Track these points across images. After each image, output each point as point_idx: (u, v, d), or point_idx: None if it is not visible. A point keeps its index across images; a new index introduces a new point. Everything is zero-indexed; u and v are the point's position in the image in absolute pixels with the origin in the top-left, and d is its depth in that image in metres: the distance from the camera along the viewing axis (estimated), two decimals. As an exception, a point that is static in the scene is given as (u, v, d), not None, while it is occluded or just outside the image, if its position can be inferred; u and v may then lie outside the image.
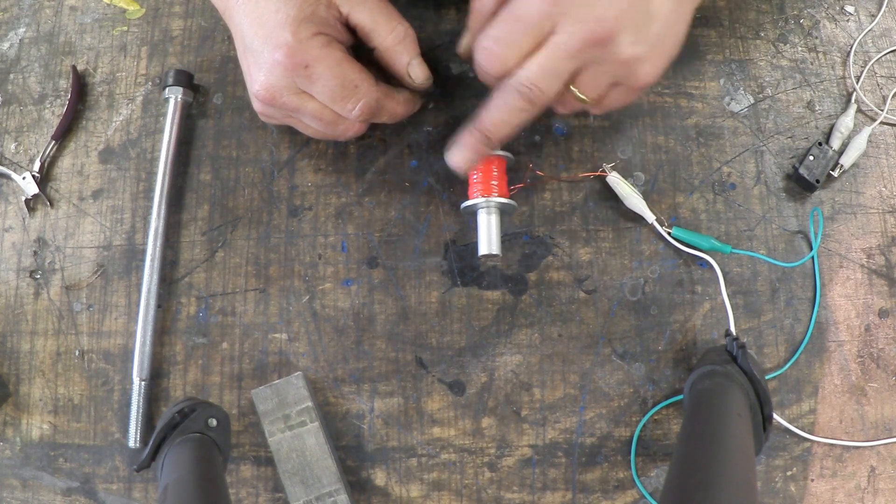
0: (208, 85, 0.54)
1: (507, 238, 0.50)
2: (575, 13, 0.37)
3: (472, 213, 0.49)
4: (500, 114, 0.41)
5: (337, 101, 0.43)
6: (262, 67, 0.42)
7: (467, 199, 0.48)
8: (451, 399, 0.49)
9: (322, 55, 0.42)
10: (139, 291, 0.49)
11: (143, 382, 0.48)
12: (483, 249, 0.47)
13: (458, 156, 0.43)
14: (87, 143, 0.53)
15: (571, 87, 0.41)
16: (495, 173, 0.48)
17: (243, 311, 0.50)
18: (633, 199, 0.49)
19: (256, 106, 0.46)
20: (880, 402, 0.48)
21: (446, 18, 0.54)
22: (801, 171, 0.50)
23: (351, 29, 0.45)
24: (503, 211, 0.48)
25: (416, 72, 0.46)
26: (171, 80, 0.51)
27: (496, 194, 0.47)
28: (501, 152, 0.48)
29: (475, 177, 0.48)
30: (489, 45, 0.39)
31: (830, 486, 0.47)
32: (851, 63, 0.53)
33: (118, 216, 0.52)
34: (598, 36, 0.38)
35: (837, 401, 0.48)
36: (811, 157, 0.50)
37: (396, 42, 0.44)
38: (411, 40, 0.45)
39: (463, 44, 0.46)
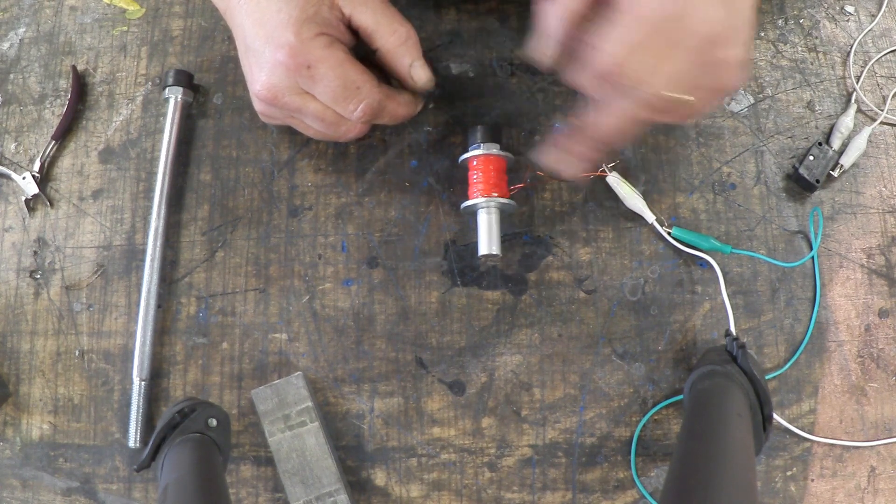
0: (208, 85, 0.54)
1: (507, 238, 0.50)
2: (695, 12, 0.36)
3: (472, 213, 0.49)
4: (616, 122, 0.39)
5: (339, 101, 0.43)
6: (264, 67, 0.42)
7: (467, 199, 0.48)
8: (451, 399, 0.49)
9: (324, 55, 0.42)
10: (139, 291, 0.49)
11: (143, 382, 0.48)
12: (483, 249, 0.47)
13: (568, 165, 0.42)
14: (87, 143, 0.53)
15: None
16: (495, 173, 0.48)
17: (243, 311, 0.50)
18: (633, 199, 0.49)
19: (258, 106, 0.46)
20: (880, 402, 0.48)
21: (446, 18, 0.54)
22: (801, 171, 0.50)
23: (353, 30, 0.45)
24: (503, 211, 0.48)
25: (419, 73, 0.46)
26: (171, 80, 0.51)
27: (496, 194, 0.47)
28: (502, 152, 0.48)
29: (475, 177, 0.48)
30: (617, 50, 0.36)
31: (830, 486, 0.47)
32: (851, 63, 0.53)
33: (118, 216, 0.52)
34: (722, 37, 0.37)
35: (837, 401, 0.48)
36: (811, 157, 0.50)
37: (399, 44, 0.44)
38: (414, 42, 0.45)
39: (545, 47, 0.41)
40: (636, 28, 0.36)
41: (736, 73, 0.39)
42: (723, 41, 0.37)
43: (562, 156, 0.42)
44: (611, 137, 0.40)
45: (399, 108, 0.47)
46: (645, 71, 0.37)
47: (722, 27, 0.37)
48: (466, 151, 0.48)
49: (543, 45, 0.42)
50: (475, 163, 0.48)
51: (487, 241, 0.47)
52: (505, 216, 0.50)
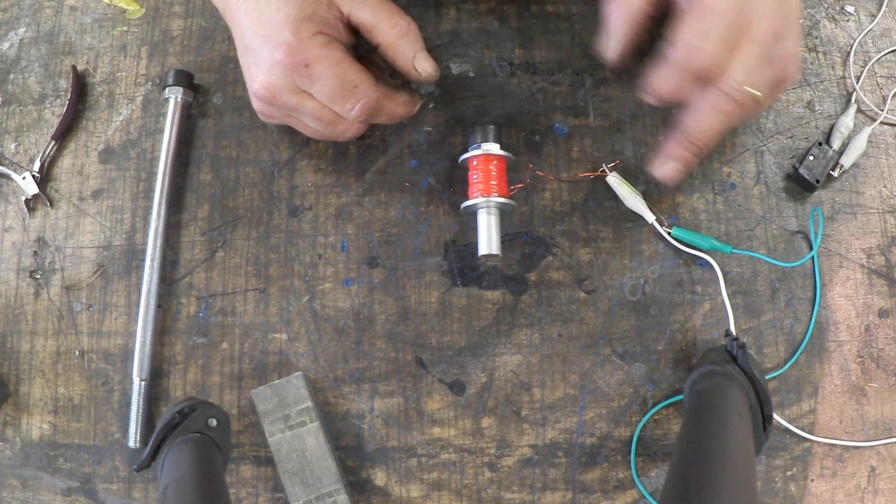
0: (208, 85, 0.54)
1: (507, 238, 0.50)
2: (762, 7, 0.38)
3: (472, 213, 0.49)
4: (710, 120, 0.40)
5: (336, 100, 0.43)
6: (262, 66, 0.43)
7: (467, 199, 0.48)
8: (451, 399, 0.49)
9: (322, 54, 0.42)
10: (139, 291, 0.49)
11: (143, 382, 0.48)
12: (483, 249, 0.47)
13: (669, 168, 0.44)
14: (87, 143, 0.53)
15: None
16: (495, 173, 0.48)
17: (243, 311, 0.50)
18: (633, 199, 0.49)
19: (256, 105, 0.46)
20: (880, 402, 0.48)
21: (446, 18, 0.54)
22: (801, 171, 0.50)
23: (353, 29, 0.45)
24: (503, 211, 0.48)
25: (423, 65, 0.45)
26: (171, 80, 0.51)
27: (496, 194, 0.47)
28: (502, 152, 0.48)
29: (475, 177, 0.48)
30: (696, 42, 0.38)
31: (830, 486, 0.47)
32: (851, 63, 0.53)
33: (118, 216, 0.52)
34: (782, 30, 0.38)
35: (837, 401, 0.48)
36: (811, 157, 0.50)
37: (400, 37, 0.44)
38: (415, 34, 0.45)
39: (612, 46, 0.43)
40: (718, 22, 0.37)
41: (795, 65, 0.41)
42: (783, 33, 0.38)
43: (672, 164, 0.43)
44: (711, 137, 0.42)
45: (397, 107, 0.47)
46: (731, 65, 0.38)
47: (780, 19, 0.38)
48: (466, 151, 0.48)
49: (610, 43, 0.43)
50: (475, 163, 0.48)
51: (487, 241, 0.47)
52: (505, 216, 0.50)
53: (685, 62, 0.39)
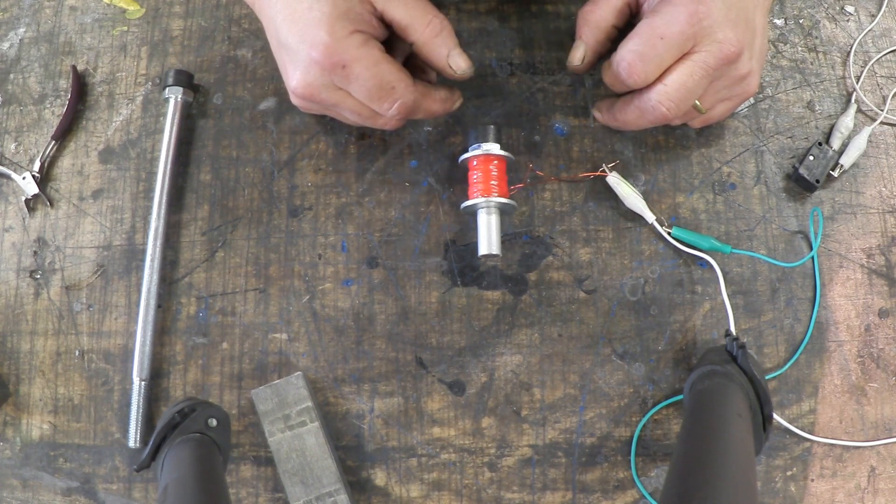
0: (208, 85, 0.54)
1: (507, 238, 0.50)
2: (713, 34, 0.41)
3: (472, 213, 0.49)
4: (633, 119, 0.46)
5: (374, 100, 0.43)
6: (299, 65, 0.43)
7: (467, 199, 0.48)
8: (451, 399, 0.49)
9: (359, 55, 0.42)
10: (139, 291, 0.49)
11: (143, 382, 0.48)
12: (483, 249, 0.47)
13: (596, 115, 0.50)
14: (87, 143, 0.53)
15: (695, 101, 0.44)
16: (495, 173, 0.48)
17: (243, 311, 0.50)
18: (633, 199, 0.49)
19: (294, 101, 0.46)
20: (880, 402, 0.48)
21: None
22: (801, 171, 0.50)
23: (387, 24, 0.44)
24: (503, 211, 0.48)
25: (457, 62, 0.45)
26: (171, 80, 0.51)
27: (496, 194, 0.47)
28: (502, 152, 0.48)
29: (475, 177, 0.48)
30: (633, 60, 0.42)
31: (830, 486, 0.47)
32: (851, 63, 0.53)
33: (118, 216, 0.52)
34: (731, 55, 0.42)
35: (837, 401, 0.48)
36: (811, 157, 0.50)
37: (434, 35, 0.44)
38: (448, 32, 0.44)
39: (577, 55, 0.47)
40: (659, 46, 0.42)
41: (751, 83, 0.45)
42: (736, 57, 0.42)
43: (596, 110, 0.50)
44: (633, 128, 0.48)
45: (434, 104, 0.46)
46: (664, 79, 0.43)
47: (734, 45, 0.42)
48: (466, 151, 0.48)
49: (577, 52, 0.47)
50: (475, 163, 0.48)
51: (487, 241, 0.47)
52: (505, 216, 0.50)
53: (619, 75, 0.43)
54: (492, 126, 0.48)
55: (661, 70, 0.43)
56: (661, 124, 0.46)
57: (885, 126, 0.52)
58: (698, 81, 0.42)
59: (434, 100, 0.46)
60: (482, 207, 0.47)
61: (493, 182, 0.47)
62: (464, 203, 0.48)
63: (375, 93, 0.43)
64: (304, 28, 0.41)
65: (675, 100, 0.43)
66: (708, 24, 0.41)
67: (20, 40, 0.56)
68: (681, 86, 0.42)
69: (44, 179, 0.53)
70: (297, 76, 0.43)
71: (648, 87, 0.43)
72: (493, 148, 0.48)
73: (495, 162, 0.48)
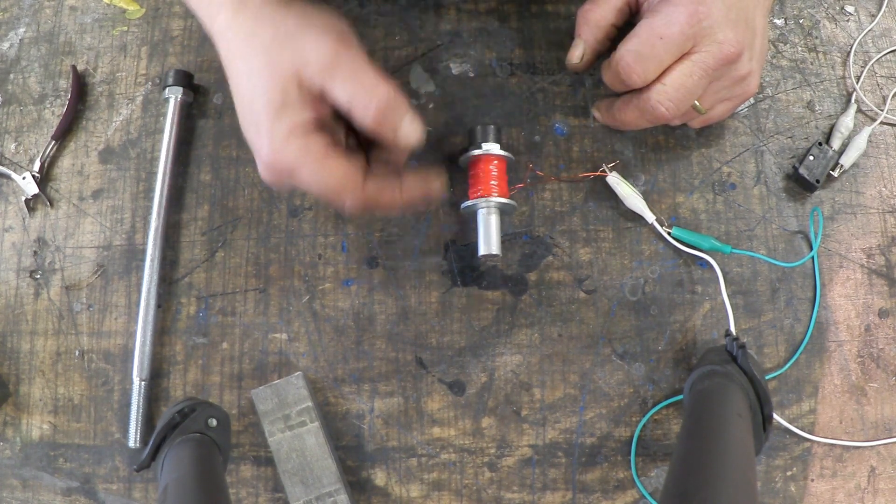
0: (208, 85, 0.54)
1: (507, 238, 0.50)
2: (713, 35, 0.41)
3: (472, 213, 0.49)
4: (633, 119, 0.46)
5: (326, 199, 0.41)
6: (258, 161, 0.41)
7: (467, 199, 0.48)
8: (451, 399, 0.49)
9: (300, 161, 0.39)
10: (139, 291, 0.49)
11: (143, 382, 0.48)
12: (483, 249, 0.47)
13: (595, 114, 0.51)
14: (87, 143, 0.53)
15: (694, 101, 0.44)
16: (495, 173, 0.48)
17: (243, 311, 0.50)
18: (633, 199, 0.49)
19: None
20: (880, 402, 0.48)
21: (446, 18, 0.54)
22: (801, 171, 0.50)
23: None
24: (503, 211, 0.48)
25: (406, 139, 0.41)
26: (171, 80, 0.51)
27: (496, 194, 0.47)
28: (502, 152, 0.48)
29: (475, 177, 0.48)
30: (632, 60, 0.42)
31: (830, 486, 0.47)
32: (851, 63, 0.53)
33: (118, 216, 0.52)
34: (731, 56, 0.41)
35: (837, 401, 0.48)
36: (811, 157, 0.50)
37: (378, 121, 0.39)
38: (393, 109, 0.39)
39: (576, 54, 0.48)
40: (658, 46, 0.41)
41: (751, 83, 0.45)
42: (736, 57, 0.42)
43: (596, 109, 0.50)
44: (631, 128, 0.48)
45: (396, 201, 0.42)
46: (662, 80, 0.43)
47: (735, 45, 0.41)
48: (466, 151, 0.48)
49: (577, 50, 0.48)
50: (475, 163, 0.48)
51: (487, 241, 0.47)
52: (505, 216, 0.50)
53: (618, 74, 0.43)
54: (492, 126, 0.48)
55: (661, 70, 0.43)
56: (660, 124, 0.46)
57: (885, 126, 0.52)
58: (697, 82, 0.42)
59: (394, 197, 0.42)
60: (482, 207, 0.47)
61: (493, 182, 0.47)
62: (464, 203, 0.48)
63: (325, 195, 0.40)
64: (250, 127, 0.40)
65: (675, 100, 0.43)
66: (708, 24, 0.41)
67: (20, 40, 0.56)
68: (680, 86, 0.42)
69: (44, 179, 0.53)
70: (260, 170, 0.41)
71: (648, 87, 0.43)
72: (493, 148, 0.48)
73: (495, 162, 0.48)
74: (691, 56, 0.42)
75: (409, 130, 0.41)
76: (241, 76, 0.40)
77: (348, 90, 0.39)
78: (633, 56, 0.42)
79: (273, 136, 0.39)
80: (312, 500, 0.45)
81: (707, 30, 0.41)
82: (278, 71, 0.39)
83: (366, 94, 0.39)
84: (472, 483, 0.48)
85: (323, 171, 0.39)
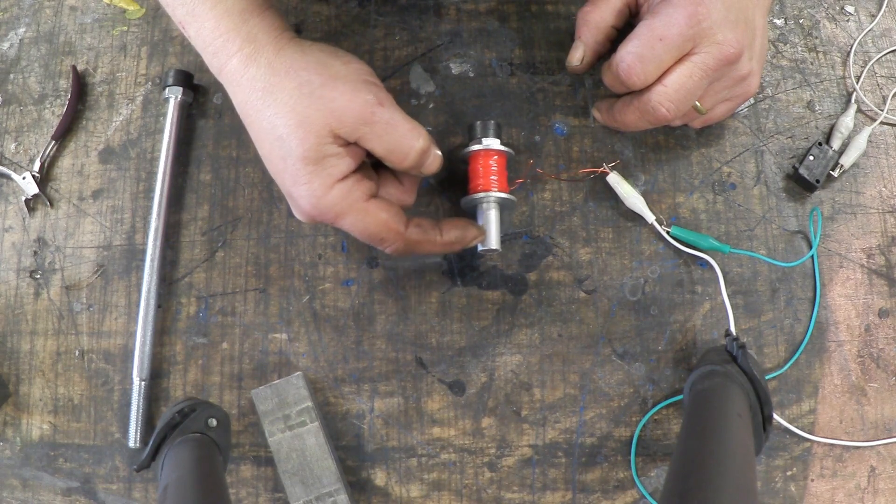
0: (208, 85, 0.54)
1: (507, 238, 0.50)
2: (713, 35, 0.41)
3: (472, 207, 0.48)
4: (633, 120, 0.46)
5: (369, 243, 0.43)
6: (296, 209, 0.42)
7: (467, 195, 0.48)
8: (451, 399, 0.49)
9: (344, 210, 0.40)
10: (139, 291, 0.49)
11: (143, 382, 0.48)
12: (482, 244, 0.47)
13: (596, 115, 0.51)
14: (87, 143, 0.53)
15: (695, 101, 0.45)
16: (495, 168, 0.47)
17: (243, 311, 0.50)
18: (633, 199, 0.49)
19: None
20: (880, 402, 0.48)
21: (446, 18, 0.54)
22: (801, 171, 0.50)
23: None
24: (503, 206, 0.48)
25: (429, 171, 0.43)
26: (171, 80, 0.51)
27: (496, 189, 0.47)
28: (502, 147, 0.48)
29: (475, 172, 0.48)
30: (632, 62, 0.42)
31: (830, 486, 0.47)
32: (851, 63, 0.53)
33: (118, 216, 0.52)
34: (731, 56, 0.42)
35: (837, 401, 0.48)
36: (811, 157, 0.50)
37: (411, 166, 0.42)
38: (425, 155, 0.42)
39: (576, 56, 0.48)
40: (658, 48, 0.41)
41: (752, 83, 0.45)
42: (736, 58, 0.42)
43: (596, 110, 0.50)
44: (631, 129, 0.48)
45: (435, 248, 0.44)
46: (663, 81, 0.43)
47: (734, 46, 0.42)
48: (466, 147, 0.48)
49: (577, 51, 0.48)
50: (475, 158, 0.48)
51: (487, 235, 0.47)
52: (505, 212, 0.50)
53: (618, 76, 0.43)
54: (492, 122, 0.48)
55: (661, 71, 0.43)
56: (660, 125, 0.46)
57: (885, 126, 0.52)
58: (698, 83, 0.42)
59: (434, 244, 0.44)
60: (482, 202, 0.47)
61: (493, 177, 0.47)
62: (463, 198, 0.48)
63: (368, 240, 0.42)
64: (286, 180, 0.40)
65: (675, 101, 0.43)
66: (707, 25, 0.41)
67: (20, 40, 0.56)
68: (680, 87, 0.42)
69: (44, 179, 0.53)
70: (297, 215, 0.42)
71: (648, 88, 0.43)
72: (494, 143, 0.47)
73: (495, 157, 0.47)
74: (691, 57, 0.42)
75: (432, 164, 0.43)
76: (266, 133, 0.40)
77: (385, 145, 0.40)
78: (633, 57, 0.42)
79: (313, 187, 0.39)
80: (312, 500, 0.45)
81: (707, 31, 0.41)
82: (312, 128, 0.39)
83: (404, 149, 0.41)
84: (472, 483, 0.48)
85: (367, 219, 0.41)
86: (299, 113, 0.39)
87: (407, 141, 0.41)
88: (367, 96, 0.39)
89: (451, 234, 0.44)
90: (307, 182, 0.39)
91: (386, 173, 0.45)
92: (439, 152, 0.44)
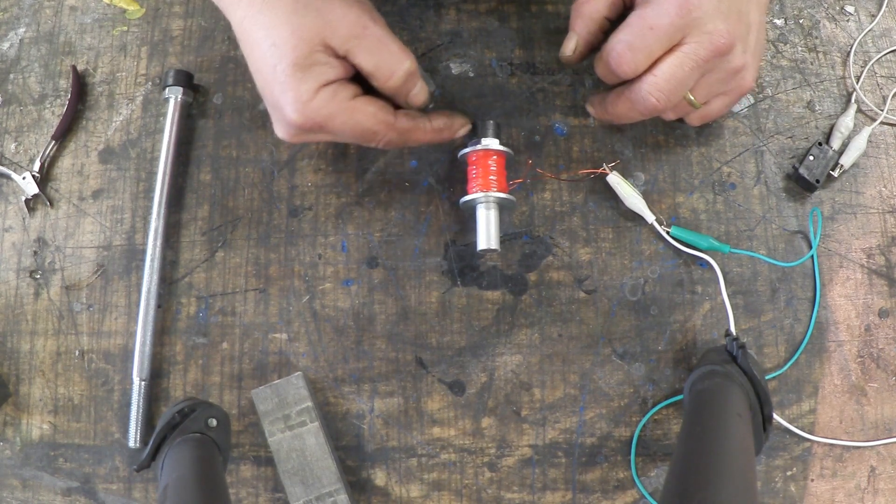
0: (208, 85, 0.54)
1: (507, 238, 0.50)
2: (703, 26, 0.41)
3: (471, 207, 0.48)
4: (625, 111, 0.45)
5: (359, 142, 0.44)
6: (280, 122, 0.43)
7: (466, 194, 0.48)
8: (451, 399, 0.49)
9: (331, 113, 0.41)
10: (139, 291, 0.49)
11: (143, 382, 0.48)
12: (482, 244, 0.47)
13: (589, 108, 0.50)
14: (87, 143, 0.53)
15: (687, 94, 0.44)
16: (494, 168, 0.47)
17: (243, 311, 0.50)
18: (633, 199, 0.49)
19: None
20: (880, 402, 0.48)
21: (446, 18, 0.54)
22: (801, 171, 0.50)
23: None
24: (502, 206, 0.48)
25: (416, 100, 0.45)
26: (171, 80, 0.51)
27: (495, 189, 0.47)
28: (502, 147, 0.48)
29: (474, 172, 0.48)
30: (622, 51, 0.42)
31: (830, 486, 0.47)
32: (851, 63, 0.53)
33: (118, 216, 0.52)
34: (722, 47, 0.41)
35: (837, 401, 0.48)
36: (811, 157, 0.50)
37: (397, 86, 0.43)
38: (410, 78, 0.43)
39: (570, 46, 0.47)
40: (648, 37, 0.41)
41: (747, 77, 0.44)
42: (728, 49, 0.42)
43: (589, 104, 0.50)
44: (623, 121, 0.47)
45: (425, 136, 0.46)
46: (653, 71, 0.42)
47: (727, 36, 0.41)
48: (465, 147, 0.48)
49: (570, 42, 0.47)
50: (474, 158, 0.48)
51: (486, 235, 0.47)
52: (504, 211, 0.50)
53: (609, 65, 0.43)
54: (491, 122, 0.48)
55: (651, 60, 0.42)
56: (652, 116, 0.46)
57: (885, 126, 0.52)
58: (688, 73, 0.42)
59: (425, 131, 0.46)
60: (481, 202, 0.47)
61: (492, 177, 0.47)
62: (462, 198, 0.48)
63: (359, 139, 0.43)
64: (274, 89, 0.41)
65: (666, 91, 0.42)
66: (698, 15, 0.41)
67: (20, 40, 0.56)
68: (671, 76, 0.42)
69: (44, 179, 0.53)
70: (280, 130, 0.43)
71: (639, 78, 0.43)
72: (493, 143, 0.47)
73: (494, 157, 0.47)
74: (682, 47, 0.42)
75: (419, 94, 0.44)
76: (260, 43, 0.41)
77: (373, 59, 0.41)
78: (624, 46, 0.42)
79: (300, 92, 0.40)
80: (312, 500, 0.46)
81: (697, 21, 0.41)
82: (304, 36, 0.40)
83: (390, 66, 0.42)
84: (472, 483, 0.48)
85: (357, 116, 0.42)
86: (294, 23, 0.40)
87: (395, 59, 0.42)
88: (361, 13, 0.41)
89: (440, 121, 0.46)
90: (295, 88, 0.40)
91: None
92: (426, 87, 0.45)
